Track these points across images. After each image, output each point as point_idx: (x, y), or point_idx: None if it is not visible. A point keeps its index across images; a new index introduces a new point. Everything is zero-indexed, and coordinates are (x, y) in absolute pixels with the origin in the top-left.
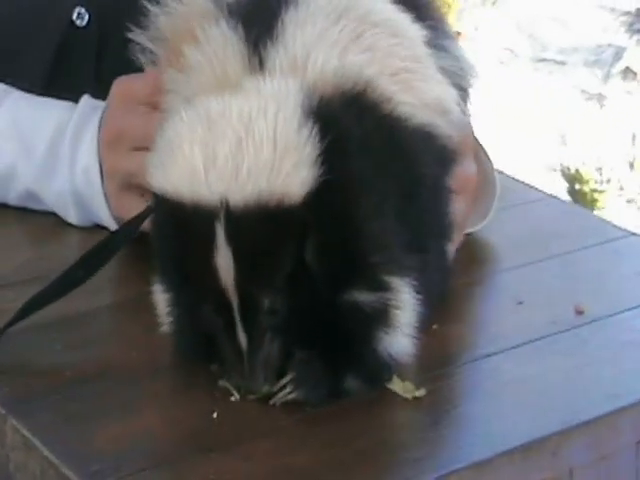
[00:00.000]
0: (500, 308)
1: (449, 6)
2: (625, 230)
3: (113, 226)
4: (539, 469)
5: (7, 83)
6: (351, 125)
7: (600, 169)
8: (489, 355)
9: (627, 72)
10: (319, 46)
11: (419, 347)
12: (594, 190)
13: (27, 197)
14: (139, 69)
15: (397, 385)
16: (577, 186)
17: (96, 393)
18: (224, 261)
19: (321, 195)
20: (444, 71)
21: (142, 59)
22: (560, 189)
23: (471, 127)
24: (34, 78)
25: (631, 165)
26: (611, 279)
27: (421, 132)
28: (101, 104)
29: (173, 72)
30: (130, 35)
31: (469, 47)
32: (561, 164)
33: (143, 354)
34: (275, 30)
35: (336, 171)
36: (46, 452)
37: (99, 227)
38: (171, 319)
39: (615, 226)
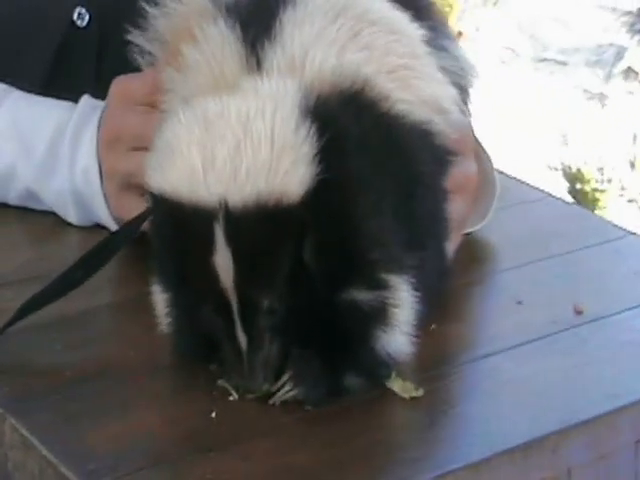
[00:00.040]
0: (499, 308)
1: (451, 6)
2: (625, 230)
3: (113, 226)
4: (538, 468)
5: (7, 83)
6: (349, 123)
7: (601, 169)
8: (488, 355)
9: (628, 72)
10: (317, 45)
11: (418, 347)
12: (595, 190)
13: (27, 197)
14: (139, 69)
15: (397, 384)
16: (578, 186)
17: (95, 392)
18: (223, 261)
19: (319, 194)
20: (444, 71)
21: (141, 61)
22: (561, 189)
23: (471, 127)
24: (34, 78)
25: (632, 165)
26: (611, 279)
27: (418, 130)
28: (101, 104)
29: (171, 71)
30: (129, 37)
31: (470, 47)
32: (562, 163)
33: (142, 354)
34: (273, 30)
35: (334, 170)
36: (44, 451)
37: (99, 227)
38: (170, 319)
39: (615, 226)
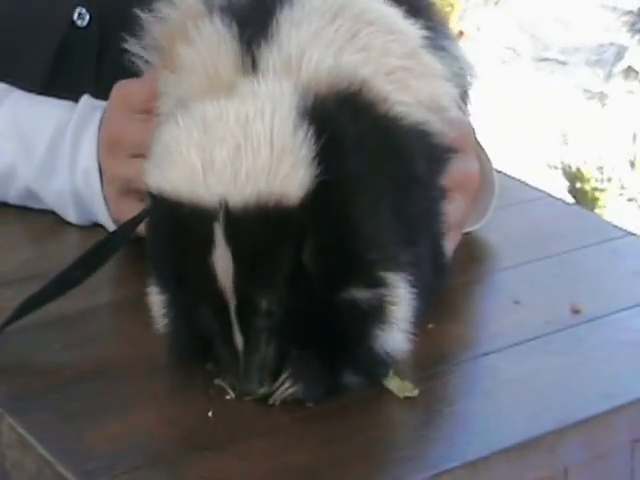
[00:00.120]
0: (497, 307)
1: (452, 6)
2: (623, 230)
3: (112, 227)
4: (534, 468)
5: (7, 83)
6: (346, 125)
7: (601, 168)
8: (486, 354)
9: (629, 71)
10: (314, 45)
11: (416, 345)
12: (595, 189)
13: (27, 196)
14: (139, 70)
15: (394, 383)
16: (578, 185)
17: (93, 392)
18: (222, 262)
19: (318, 196)
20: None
21: (139, 66)
22: (561, 188)
23: (472, 126)
24: (34, 78)
25: (632, 164)
26: (609, 279)
27: (416, 131)
28: (101, 104)
29: (167, 73)
30: (126, 45)
31: (471, 47)
32: (562, 162)
33: (141, 353)
34: (270, 29)
35: (332, 172)
36: (41, 450)
37: (98, 226)
38: (166, 320)
39: (613, 226)
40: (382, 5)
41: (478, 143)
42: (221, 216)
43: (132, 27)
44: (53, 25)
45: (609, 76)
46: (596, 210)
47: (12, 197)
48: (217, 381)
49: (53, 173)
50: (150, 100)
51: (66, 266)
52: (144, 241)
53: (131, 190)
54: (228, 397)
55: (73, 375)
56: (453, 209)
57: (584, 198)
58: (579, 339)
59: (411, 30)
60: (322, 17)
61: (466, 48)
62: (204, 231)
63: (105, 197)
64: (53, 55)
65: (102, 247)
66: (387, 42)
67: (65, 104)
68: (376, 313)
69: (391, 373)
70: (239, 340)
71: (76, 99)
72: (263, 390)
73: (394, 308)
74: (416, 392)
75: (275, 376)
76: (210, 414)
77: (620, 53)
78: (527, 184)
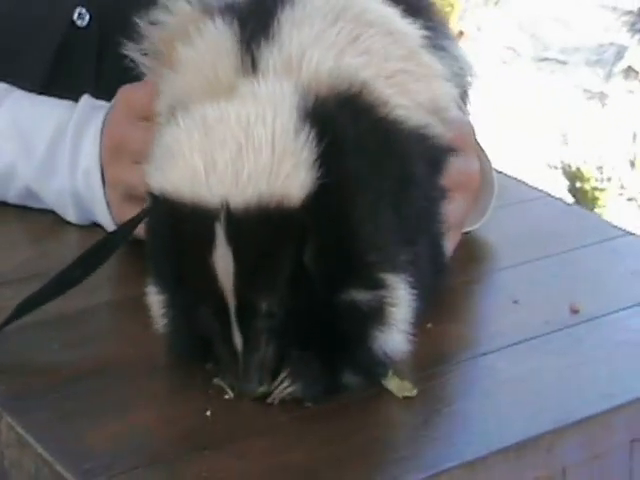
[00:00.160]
0: (497, 307)
1: (452, 6)
2: (623, 229)
3: (112, 229)
4: (532, 467)
5: (7, 83)
6: (347, 126)
7: (601, 167)
8: (485, 353)
9: (629, 71)
10: (315, 47)
11: (415, 345)
12: (595, 188)
13: (27, 195)
14: (139, 70)
15: (393, 383)
16: (578, 184)
17: (92, 391)
18: (224, 264)
19: (320, 198)
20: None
21: (139, 68)
22: (561, 187)
23: (472, 126)
24: (34, 78)
25: (632, 164)
26: (608, 278)
27: (416, 134)
28: (101, 104)
29: (166, 72)
30: (124, 50)
31: (471, 47)
32: (562, 162)
33: (141, 352)
34: (271, 29)
35: (334, 174)
36: (40, 450)
37: (98, 226)
38: (166, 320)
39: (613, 225)
40: (383, 6)
41: (477, 143)
42: (222, 217)
43: (132, 28)
44: (53, 25)
45: (609, 76)
46: (596, 210)
47: (12, 197)
48: (216, 380)
49: (53, 173)
50: (154, 107)
51: (65, 266)
52: (144, 241)
53: (133, 197)
54: (227, 397)
55: (72, 374)
56: (453, 209)
57: (584, 198)
58: (578, 339)
59: (411, 30)
60: (324, 18)
61: (466, 48)
62: (205, 232)
63: (107, 200)
64: (53, 55)
65: (101, 247)
66: (387, 45)
67: (65, 104)
68: (376, 315)
69: (390, 373)
70: (239, 341)
71: (76, 99)
72: (262, 389)
73: (394, 310)
74: (415, 392)
75: (274, 376)
76: (209, 413)
77: (620, 53)
78: (526, 184)
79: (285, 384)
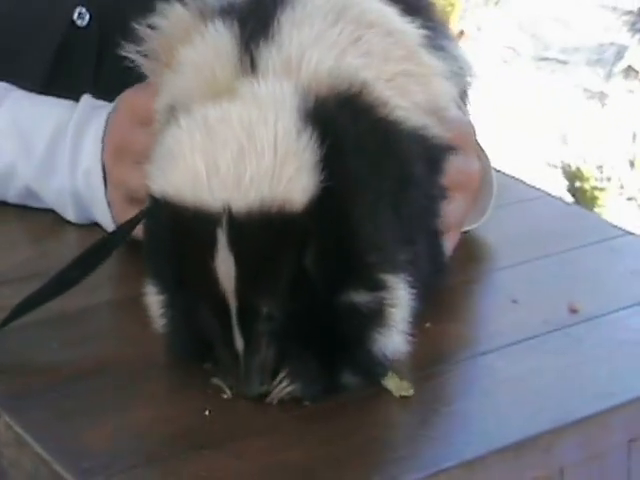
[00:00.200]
0: (496, 306)
1: (452, 6)
2: (622, 229)
3: (111, 229)
4: (531, 467)
5: (7, 82)
6: (347, 128)
7: (601, 167)
8: (484, 353)
9: (629, 71)
10: (315, 47)
11: (414, 345)
12: (595, 188)
13: (27, 195)
14: (139, 71)
15: (392, 382)
16: (577, 184)
17: (91, 391)
18: (225, 267)
19: (322, 202)
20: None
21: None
22: (561, 187)
23: (471, 125)
24: (34, 78)
25: (632, 163)
26: (607, 278)
27: (416, 135)
28: (102, 104)
29: (166, 72)
30: (123, 52)
31: (471, 47)
32: (562, 161)
33: (140, 352)
34: (271, 30)
35: (336, 177)
36: (38, 449)
37: (98, 226)
38: (165, 320)
39: (613, 225)
40: (383, 5)
41: (477, 142)
42: (224, 220)
43: (132, 28)
44: (53, 25)
45: (609, 76)
46: (595, 209)
47: (12, 196)
48: (214, 380)
49: (53, 172)
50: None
51: (63, 266)
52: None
53: (135, 199)
54: (225, 396)
55: (71, 374)
56: (453, 208)
57: (583, 197)
58: (577, 338)
59: (411, 30)
60: (324, 19)
61: (466, 48)
62: (207, 235)
63: (108, 200)
64: (53, 55)
65: (100, 247)
66: (387, 46)
67: (65, 103)
68: (376, 316)
69: (390, 373)
70: (239, 343)
71: (76, 99)
72: (262, 390)
73: (393, 310)
74: (411, 391)
75: (273, 375)
76: (207, 413)
77: (620, 53)
78: (526, 183)
79: (284, 384)
